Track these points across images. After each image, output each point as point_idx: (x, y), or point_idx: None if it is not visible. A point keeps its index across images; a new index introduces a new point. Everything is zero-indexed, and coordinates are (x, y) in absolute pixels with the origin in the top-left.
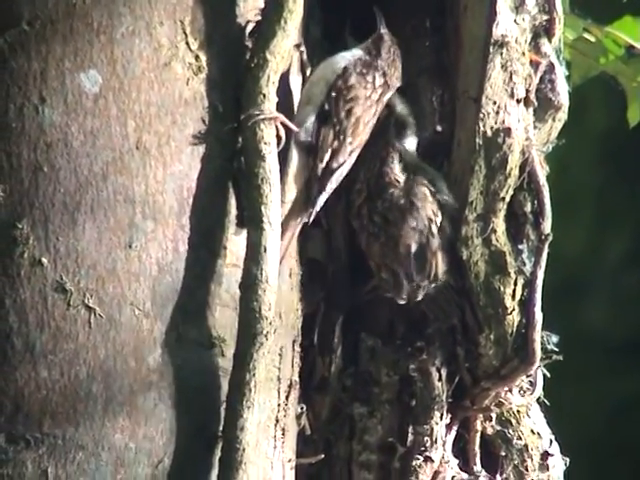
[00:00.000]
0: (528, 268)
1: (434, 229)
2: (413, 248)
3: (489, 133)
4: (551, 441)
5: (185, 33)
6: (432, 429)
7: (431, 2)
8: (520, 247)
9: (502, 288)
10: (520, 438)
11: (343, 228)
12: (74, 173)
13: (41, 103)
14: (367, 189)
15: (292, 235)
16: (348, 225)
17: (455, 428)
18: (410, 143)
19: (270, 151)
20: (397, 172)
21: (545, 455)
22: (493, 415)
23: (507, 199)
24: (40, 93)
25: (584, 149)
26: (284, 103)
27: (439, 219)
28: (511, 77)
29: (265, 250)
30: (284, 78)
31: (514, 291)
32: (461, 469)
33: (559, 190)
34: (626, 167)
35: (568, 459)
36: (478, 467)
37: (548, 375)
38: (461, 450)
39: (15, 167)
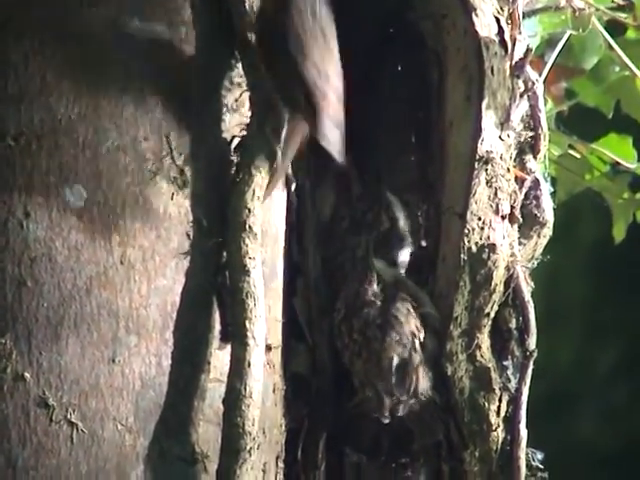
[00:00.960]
0: (513, 384)
1: (417, 344)
2: (395, 361)
3: (474, 249)
4: None
5: (170, 148)
6: None
7: (416, 117)
8: (505, 363)
9: (487, 404)
10: None
11: (328, 343)
12: (58, 288)
13: (25, 218)
14: (345, 308)
15: None
16: (333, 340)
17: None
18: (404, 255)
19: (255, 266)
20: (373, 291)
21: None
22: None
23: (492, 315)
24: (25, 208)
25: (572, 262)
26: None
27: (422, 335)
28: (496, 193)
29: (249, 365)
30: None
31: (499, 407)
32: None
33: (548, 302)
34: (614, 280)
35: None
36: None
37: None
38: None
39: None
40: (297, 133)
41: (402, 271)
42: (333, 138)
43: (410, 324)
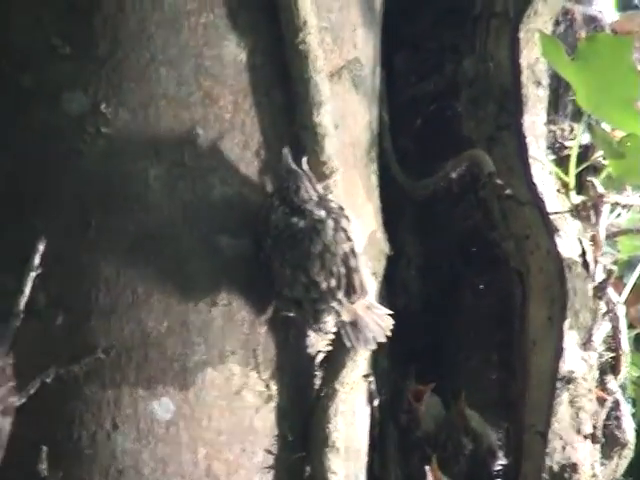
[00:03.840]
0: None
1: None
2: None
3: (555, 468)
4: None
5: (257, 362)
6: None
7: (498, 336)
8: None
9: None
10: None
11: None
12: None
13: (114, 430)
14: None
15: None
16: None
17: None
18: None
19: None
20: None
21: None
22: None
23: None
24: (113, 420)
25: None
26: None
27: None
28: (578, 413)
29: None
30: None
31: None
32: None
33: None
34: None
35: None
36: None
37: None
38: None
39: None
40: None
41: None
42: None
43: None
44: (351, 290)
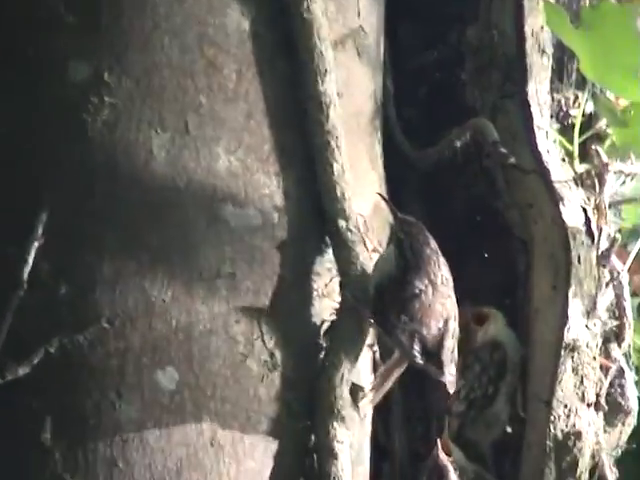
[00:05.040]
0: None
1: None
2: None
3: (560, 436)
4: None
5: (261, 331)
6: None
7: (503, 304)
8: None
9: None
10: None
11: None
12: (149, 469)
13: (118, 399)
14: None
15: None
16: None
17: None
18: None
19: (343, 449)
20: None
21: None
22: None
23: None
24: (117, 389)
25: None
26: None
27: None
28: (582, 381)
29: None
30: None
31: None
32: None
33: None
34: None
35: None
36: None
37: None
38: None
39: (91, 461)
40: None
41: None
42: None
43: None
44: None
